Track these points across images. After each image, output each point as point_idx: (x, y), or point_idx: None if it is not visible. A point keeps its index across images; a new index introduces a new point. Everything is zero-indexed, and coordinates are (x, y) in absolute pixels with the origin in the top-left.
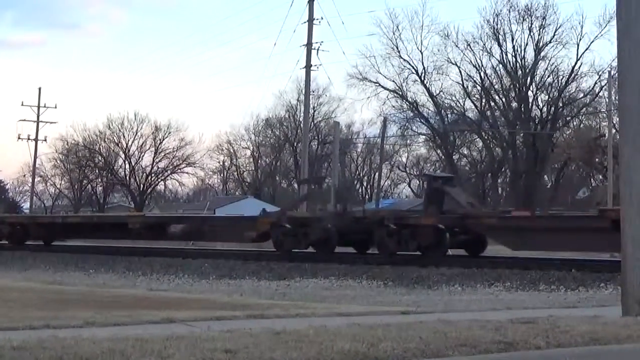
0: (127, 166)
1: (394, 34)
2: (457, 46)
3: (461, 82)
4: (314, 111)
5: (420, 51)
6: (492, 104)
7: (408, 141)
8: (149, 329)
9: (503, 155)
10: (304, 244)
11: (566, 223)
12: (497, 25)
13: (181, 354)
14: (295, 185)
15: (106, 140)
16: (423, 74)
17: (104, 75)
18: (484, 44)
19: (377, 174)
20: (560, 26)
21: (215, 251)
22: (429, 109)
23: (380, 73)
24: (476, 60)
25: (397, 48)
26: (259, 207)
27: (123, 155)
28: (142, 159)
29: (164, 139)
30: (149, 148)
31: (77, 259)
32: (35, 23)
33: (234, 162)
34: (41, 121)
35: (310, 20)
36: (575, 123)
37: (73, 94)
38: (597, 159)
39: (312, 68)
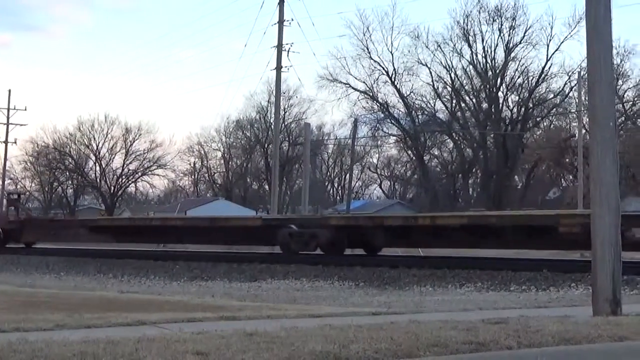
0: (98, 168)
1: (364, 35)
2: (427, 47)
3: (432, 83)
4: (285, 113)
5: (391, 52)
6: (463, 104)
7: (379, 142)
8: (120, 331)
9: (474, 156)
10: None
11: None
12: (467, 26)
13: (152, 356)
14: (266, 187)
15: (76, 142)
16: (393, 75)
17: (73, 77)
18: (454, 45)
19: (348, 175)
20: (530, 27)
21: (187, 253)
22: (399, 110)
23: (350, 74)
24: (446, 61)
25: (368, 49)
26: (230, 209)
27: (93, 158)
28: (112, 161)
29: (134, 141)
30: (120, 150)
31: (48, 261)
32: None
33: (205, 163)
34: (11, 123)
35: (281, 21)
36: (545, 123)
37: (42, 96)
38: (567, 160)
39: (282, 69)
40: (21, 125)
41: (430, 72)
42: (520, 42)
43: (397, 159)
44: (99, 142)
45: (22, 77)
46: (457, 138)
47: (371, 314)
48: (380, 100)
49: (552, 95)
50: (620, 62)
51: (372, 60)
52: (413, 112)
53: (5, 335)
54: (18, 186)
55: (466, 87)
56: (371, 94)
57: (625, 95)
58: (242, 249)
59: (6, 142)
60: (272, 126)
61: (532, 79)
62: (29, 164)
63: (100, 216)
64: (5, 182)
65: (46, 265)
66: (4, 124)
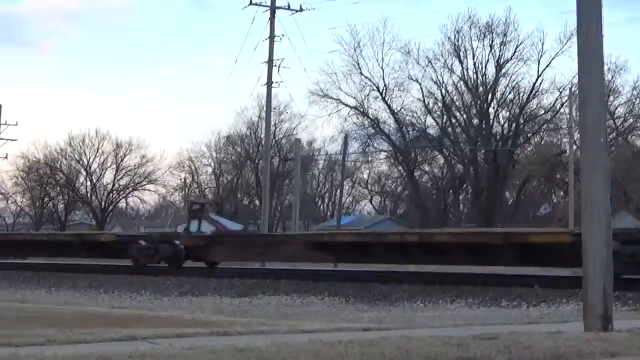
0: (89, 183)
1: (355, 50)
2: (418, 63)
3: (422, 99)
4: (275, 128)
5: (382, 68)
6: (454, 120)
7: (369, 158)
8: (112, 347)
9: (464, 172)
10: None
11: None
12: (458, 42)
13: None
14: (257, 202)
15: (67, 157)
16: (384, 91)
17: (63, 91)
18: (445, 61)
19: (338, 190)
20: (521, 43)
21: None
22: (390, 126)
23: (341, 90)
24: (437, 77)
25: (358, 65)
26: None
27: (84, 173)
28: (103, 176)
29: (125, 156)
30: (110, 165)
31: (39, 276)
32: None
33: (196, 179)
34: (2, 139)
35: (272, 37)
36: (536, 139)
37: (33, 111)
38: (558, 176)
39: (273, 85)
40: (12, 140)
41: (421, 88)
42: (511, 58)
43: (388, 174)
44: (89, 157)
45: (12, 91)
46: (447, 154)
47: (362, 330)
48: (371, 116)
49: (543, 111)
50: (612, 78)
51: (362, 76)
52: (404, 127)
53: None
54: (9, 201)
55: (457, 103)
56: (362, 110)
57: (616, 112)
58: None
59: None
60: (263, 142)
61: (523, 95)
62: (19, 179)
63: (91, 231)
64: None
65: (37, 280)
66: None
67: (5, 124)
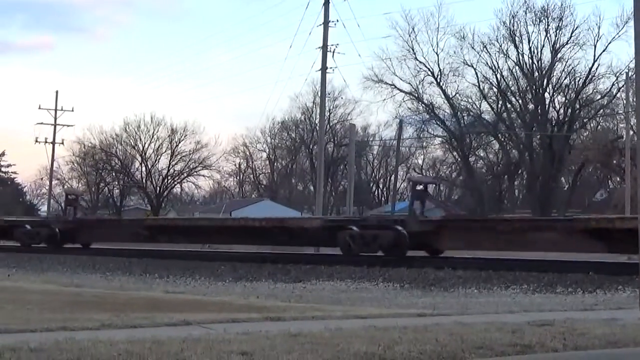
0: (144, 169)
1: (409, 35)
2: (473, 48)
3: (477, 84)
4: (330, 114)
5: (436, 53)
6: (509, 105)
7: (424, 143)
8: (166, 331)
9: (520, 158)
10: None
11: None
12: (513, 26)
13: (198, 356)
14: (311, 188)
15: (123, 143)
16: (439, 76)
17: (118, 78)
18: (500, 46)
19: (393, 176)
20: (577, 27)
21: (232, 254)
22: (445, 111)
23: (396, 75)
24: (492, 62)
25: (413, 50)
26: (275, 210)
27: (139, 158)
28: (158, 162)
29: (180, 142)
30: (165, 151)
31: (94, 261)
32: (44, 26)
33: (250, 164)
34: (58, 124)
35: (326, 22)
36: (592, 125)
37: (88, 97)
38: (614, 161)
39: (327, 70)
40: (68, 126)
41: (476, 73)
42: (567, 43)
43: (443, 160)
44: (144, 143)
45: (67, 78)
46: (502, 139)
47: (416, 316)
48: (426, 101)
49: (599, 96)
50: None
51: (417, 61)
52: (458, 113)
53: (52, 334)
54: (66, 186)
55: (512, 88)
56: (416, 95)
57: None
58: (286, 249)
59: (54, 142)
60: (317, 127)
61: (579, 80)
62: (75, 164)
63: (146, 216)
64: (53, 183)
65: (93, 265)
66: (52, 124)
67: (62, 109)
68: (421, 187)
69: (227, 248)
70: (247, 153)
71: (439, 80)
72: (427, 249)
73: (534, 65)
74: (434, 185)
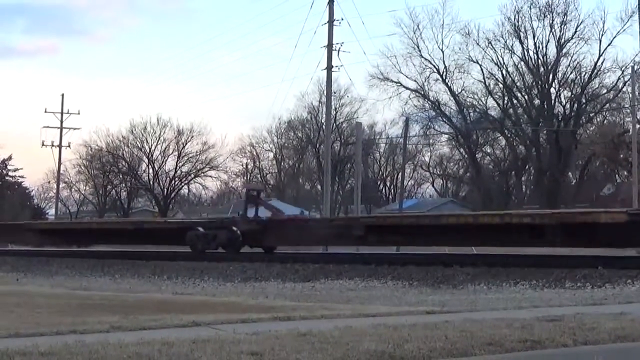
0: (151, 171)
1: (414, 33)
2: (478, 44)
3: (483, 80)
4: (336, 112)
5: (442, 50)
6: (515, 101)
7: (431, 140)
8: (175, 333)
9: (526, 153)
10: None
11: None
12: (518, 22)
13: (208, 356)
14: (319, 187)
15: (129, 145)
16: (444, 73)
17: (123, 80)
18: (505, 42)
19: (400, 174)
20: (581, 22)
21: (240, 254)
22: (451, 108)
23: (401, 73)
24: (498, 58)
25: (418, 47)
26: (283, 210)
27: (146, 160)
28: (165, 164)
29: (186, 143)
30: (172, 152)
31: (103, 264)
32: (46, 30)
33: (257, 164)
34: (65, 127)
35: (331, 21)
36: (598, 119)
37: (94, 100)
38: (621, 155)
39: (333, 69)
40: (75, 129)
41: (482, 69)
42: (572, 38)
43: (450, 157)
44: (151, 145)
45: (73, 81)
46: (509, 135)
47: (425, 313)
48: (432, 99)
49: (605, 91)
50: None
51: (422, 59)
52: (465, 109)
53: (62, 337)
54: (73, 190)
55: (518, 84)
56: (422, 92)
57: None
58: (289, 249)
59: (60, 146)
60: (324, 126)
61: (585, 75)
62: (82, 167)
63: (154, 218)
64: (60, 186)
65: (101, 267)
66: (58, 128)
67: (68, 112)
68: (254, 193)
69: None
70: (254, 153)
71: (444, 77)
72: (259, 246)
73: (540, 61)
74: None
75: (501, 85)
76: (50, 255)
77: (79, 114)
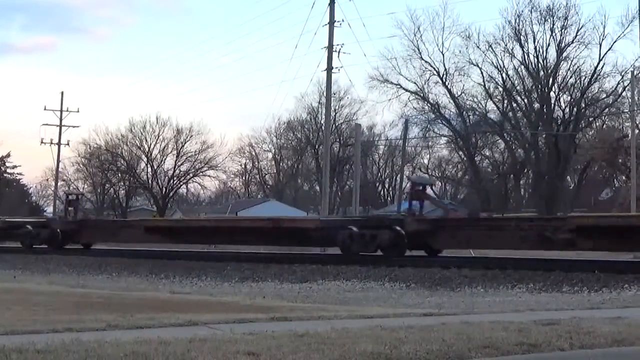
0: (149, 169)
1: (415, 35)
2: (478, 47)
3: (483, 84)
4: (336, 113)
5: (442, 52)
6: (514, 105)
7: (430, 143)
8: (172, 332)
9: (525, 157)
10: None
11: None
12: (518, 26)
13: (204, 356)
14: (317, 188)
15: (128, 143)
16: (444, 76)
17: (122, 78)
18: (506, 45)
19: (398, 176)
20: (582, 26)
21: (238, 254)
22: (450, 111)
23: (401, 75)
24: (498, 62)
25: (418, 49)
26: (281, 210)
27: (145, 159)
28: (164, 163)
29: (185, 142)
30: (171, 151)
31: (100, 262)
32: (44, 27)
33: (256, 165)
34: (64, 125)
35: (331, 22)
36: (598, 124)
37: (94, 98)
38: (620, 160)
39: (333, 70)
40: (74, 127)
41: (482, 73)
42: (572, 42)
43: (448, 159)
44: (150, 144)
45: (71, 79)
46: (508, 138)
47: (422, 315)
48: (431, 101)
49: (604, 95)
50: None
51: (422, 61)
52: (464, 112)
53: (59, 335)
54: (71, 187)
55: (518, 88)
56: (422, 95)
57: None
58: (294, 249)
59: (59, 143)
60: (323, 127)
61: (585, 79)
62: (81, 165)
63: (153, 217)
64: (58, 184)
65: (99, 266)
66: (57, 125)
67: (67, 110)
68: (74, 197)
69: (233, 248)
70: (253, 153)
71: (444, 80)
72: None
73: (540, 65)
74: (81, 195)
75: (501, 89)
76: (47, 253)
77: (78, 111)
